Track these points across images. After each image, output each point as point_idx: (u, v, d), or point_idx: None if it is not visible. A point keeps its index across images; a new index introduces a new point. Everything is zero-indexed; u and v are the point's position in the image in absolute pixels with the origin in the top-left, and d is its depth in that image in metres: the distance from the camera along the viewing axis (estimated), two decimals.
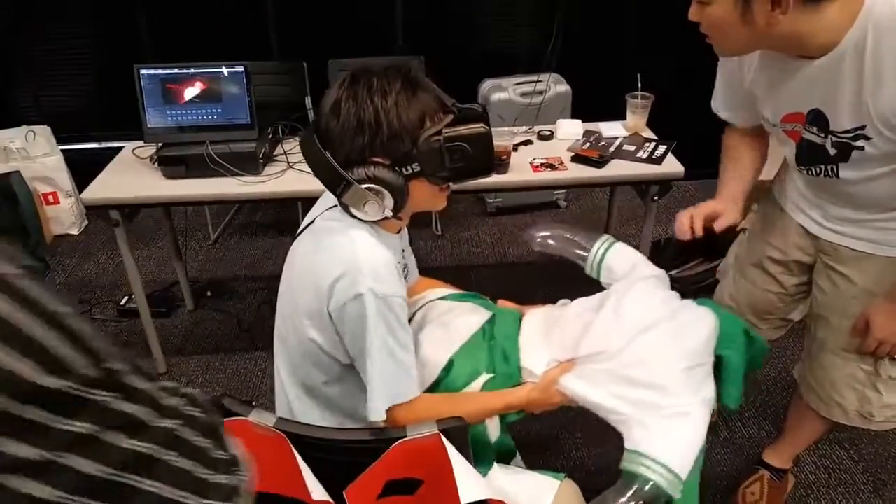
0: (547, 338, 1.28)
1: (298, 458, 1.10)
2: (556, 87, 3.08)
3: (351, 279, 1.07)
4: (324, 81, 3.01)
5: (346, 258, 1.09)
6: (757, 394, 2.24)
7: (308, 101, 2.97)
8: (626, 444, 1.12)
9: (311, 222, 1.23)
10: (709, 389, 1.16)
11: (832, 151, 1.20)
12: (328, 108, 1.07)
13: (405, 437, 1.11)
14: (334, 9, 3.22)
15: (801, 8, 1.00)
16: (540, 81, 3.02)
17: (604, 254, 1.40)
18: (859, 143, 1.14)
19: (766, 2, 1.00)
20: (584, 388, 1.17)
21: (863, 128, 1.11)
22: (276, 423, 1.12)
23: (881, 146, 1.11)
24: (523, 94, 3.05)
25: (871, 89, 1.06)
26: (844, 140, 1.16)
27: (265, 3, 3.20)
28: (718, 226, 1.32)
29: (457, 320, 1.37)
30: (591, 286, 1.44)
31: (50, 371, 0.40)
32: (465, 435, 1.14)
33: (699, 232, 1.32)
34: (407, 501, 1.16)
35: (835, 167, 1.22)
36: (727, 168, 1.46)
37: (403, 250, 1.34)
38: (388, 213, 1.11)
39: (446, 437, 1.11)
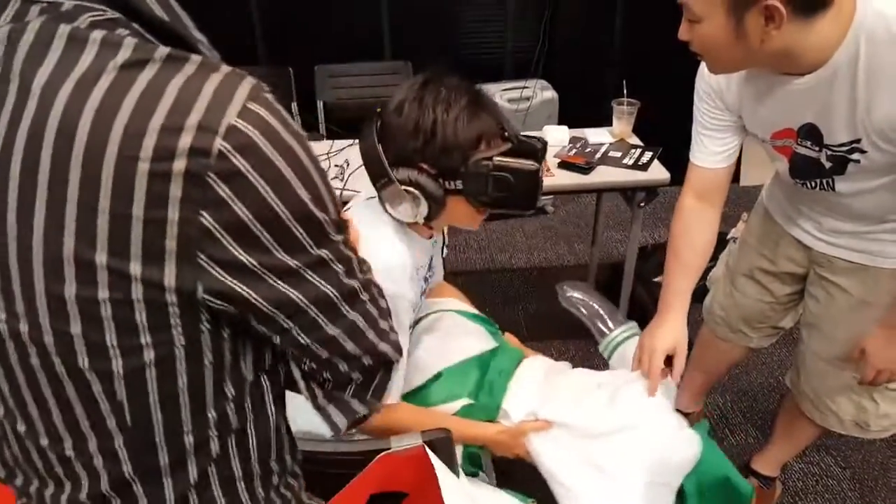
0: (537, 390, 1.28)
1: None
2: (543, 93, 3.08)
3: None
4: (311, 87, 2.99)
5: (364, 249, 1.09)
6: (744, 400, 2.23)
7: (294, 106, 2.95)
8: None
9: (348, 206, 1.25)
10: None
11: (827, 165, 1.18)
12: (393, 105, 1.08)
13: (389, 448, 1.10)
14: (321, 15, 3.21)
15: (794, 22, 0.98)
16: (526, 87, 3.03)
17: (622, 341, 1.40)
18: (855, 156, 1.12)
19: (759, 17, 0.98)
20: (548, 452, 1.19)
21: (858, 141, 1.09)
22: None
23: (877, 159, 1.10)
24: (510, 101, 3.05)
25: (866, 102, 1.04)
26: (839, 153, 1.14)
27: (251, 9, 3.19)
28: (677, 370, 1.29)
29: (461, 338, 1.38)
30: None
31: (316, 205, 0.54)
32: (450, 446, 1.12)
33: (659, 374, 1.28)
34: None
35: (830, 180, 1.20)
36: (674, 277, 1.39)
37: (433, 256, 1.33)
38: (420, 219, 1.11)
39: (431, 448, 1.10)
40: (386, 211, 1.12)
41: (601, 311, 1.47)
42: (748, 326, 1.68)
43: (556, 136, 2.30)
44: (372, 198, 1.17)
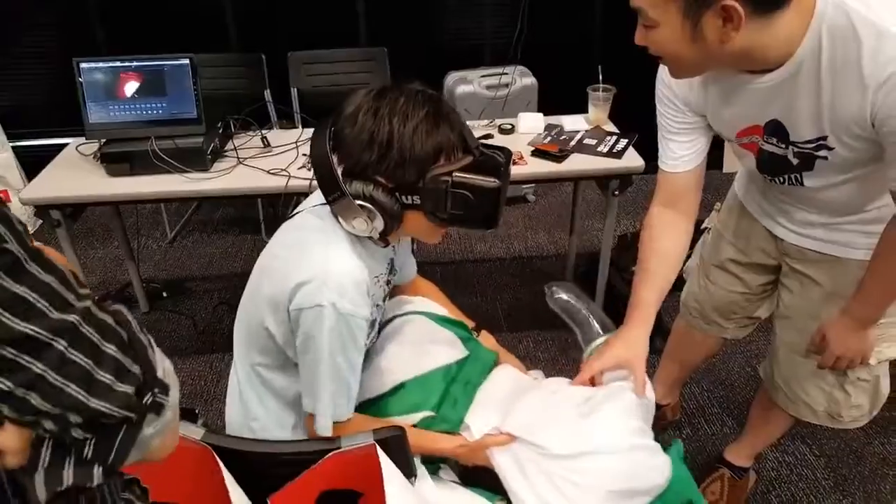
0: (504, 404, 1.24)
1: (225, 471, 1.05)
2: (522, 79, 3.03)
3: (315, 287, 1.03)
4: (284, 74, 2.93)
5: (317, 265, 1.05)
6: (721, 389, 2.21)
7: (267, 94, 2.89)
8: None
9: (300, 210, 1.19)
10: None
11: (794, 161, 1.15)
12: (347, 113, 1.02)
13: (339, 448, 1.07)
14: (295, 0, 3.14)
15: (753, 21, 0.94)
16: (505, 74, 2.98)
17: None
18: (821, 153, 1.10)
19: (716, 19, 0.94)
20: (511, 470, 1.15)
21: (824, 138, 1.07)
22: (202, 437, 1.07)
23: (844, 154, 1.07)
24: (489, 87, 3.00)
25: (830, 98, 1.01)
26: (806, 151, 1.11)
27: None
28: (638, 383, 1.23)
29: (428, 347, 1.34)
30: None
31: None
32: (403, 443, 1.09)
33: (587, 372, 1.25)
34: None
35: (799, 175, 1.18)
36: (640, 288, 1.33)
37: (392, 259, 1.28)
38: (375, 234, 1.07)
39: (384, 447, 1.07)
40: (338, 223, 1.07)
41: (589, 317, 1.41)
42: (722, 317, 1.65)
43: (531, 123, 2.26)
44: (323, 204, 1.12)
